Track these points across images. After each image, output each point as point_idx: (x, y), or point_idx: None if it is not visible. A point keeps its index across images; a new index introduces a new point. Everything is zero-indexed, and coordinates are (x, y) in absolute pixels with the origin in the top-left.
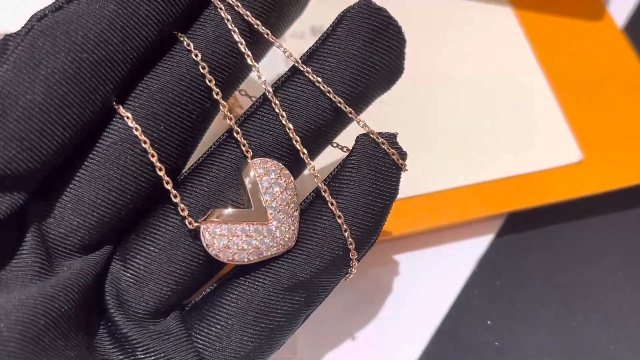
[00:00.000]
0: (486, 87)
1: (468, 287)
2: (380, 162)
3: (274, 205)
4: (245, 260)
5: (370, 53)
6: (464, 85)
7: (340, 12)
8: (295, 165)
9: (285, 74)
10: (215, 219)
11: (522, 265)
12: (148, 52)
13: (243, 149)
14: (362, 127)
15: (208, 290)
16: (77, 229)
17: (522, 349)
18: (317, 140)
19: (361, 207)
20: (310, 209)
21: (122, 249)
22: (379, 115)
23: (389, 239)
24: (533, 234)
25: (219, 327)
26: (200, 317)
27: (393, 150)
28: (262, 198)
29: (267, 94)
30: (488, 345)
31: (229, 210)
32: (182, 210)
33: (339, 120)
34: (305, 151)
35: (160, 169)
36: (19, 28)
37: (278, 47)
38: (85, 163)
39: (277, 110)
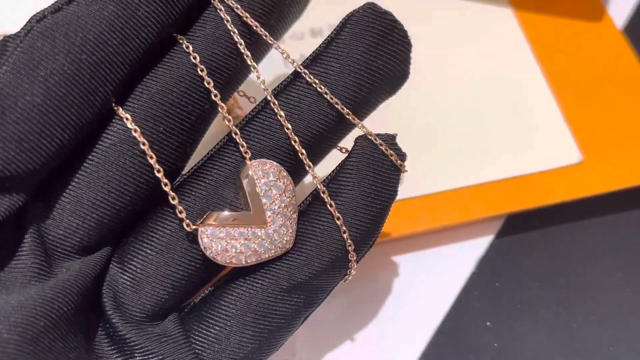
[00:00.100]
0: (486, 87)
1: (468, 288)
2: (379, 164)
3: (273, 208)
4: (243, 262)
5: (374, 58)
6: (463, 85)
7: (345, 16)
8: (296, 170)
9: (287, 78)
10: (213, 222)
11: (522, 266)
12: (147, 54)
13: (242, 150)
14: (360, 128)
15: (207, 291)
16: (76, 230)
17: (522, 350)
18: (319, 145)
19: (360, 209)
20: (309, 210)
21: (120, 251)
22: (379, 116)
23: (389, 240)
24: (533, 234)
25: (217, 328)
26: (199, 319)
27: (391, 152)
28: (260, 201)
29: (269, 97)
30: (488, 346)
31: (227, 213)
32: (180, 212)
33: (342, 126)
34: (303, 151)
35: (158, 171)
36: (18, 29)
37: (279, 50)
38: (85, 164)
39: (278, 114)
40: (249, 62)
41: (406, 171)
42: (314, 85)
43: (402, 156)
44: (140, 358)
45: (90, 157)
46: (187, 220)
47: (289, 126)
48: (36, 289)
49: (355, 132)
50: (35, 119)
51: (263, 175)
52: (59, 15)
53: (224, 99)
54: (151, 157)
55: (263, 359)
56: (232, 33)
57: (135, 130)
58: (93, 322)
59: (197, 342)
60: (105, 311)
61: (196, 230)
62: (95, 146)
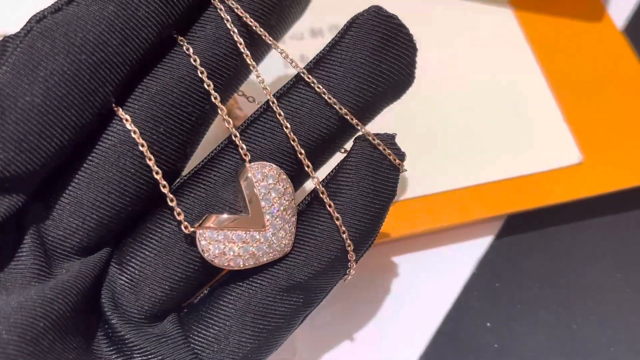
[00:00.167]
0: (486, 88)
1: (468, 289)
2: (378, 164)
3: (271, 211)
4: (241, 265)
5: (378, 62)
6: (463, 86)
7: (349, 19)
8: (297, 173)
9: (290, 81)
10: (211, 225)
11: (522, 267)
12: (148, 54)
13: (241, 152)
14: (360, 129)
15: (205, 291)
16: (76, 231)
17: (522, 351)
18: (321, 150)
19: (359, 209)
20: (308, 210)
21: (119, 252)
22: (379, 117)
23: (389, 241)
24: (533, 235)
25: (217, 328)
26: (198, 319)
27: (390, 152)
28: (259, 204)
29: (270, 100)
30: (488, 347)
31: (226, 216)
32: (179, 214)
33: (344, 130)
34: (302, 151)
35: (157, 172)
36: (18, 29)
37: (279, 51)
38: (85, 165)
39: (279, 117)
40: (249, 62)
41: (405, 170)
42: (317, 89)
43: (401, 156)
44: (140, 359)
45: (90, 157)
46: (185, 223)
47: (289, 126)
48: (36, 289)
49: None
50: (35, 119)
51: (262, 179)
52: (58, 16)
53: (224, 100)
54: (150, 159)
55: (262, 359)
56: (232, 33)
57: (135, 132)
58: (92, 322)
59: (197, 342)
60: (104, 312)
61: (194, 232)
62: (95, 147)
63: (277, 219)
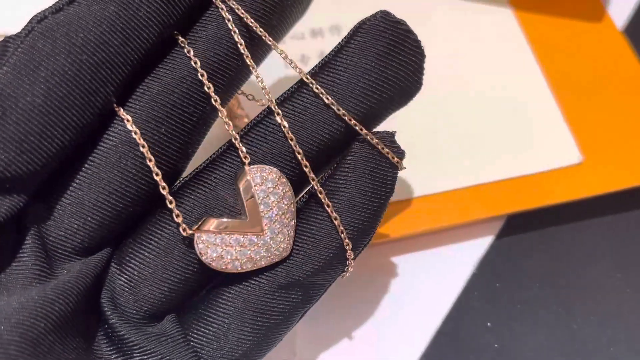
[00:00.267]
0: (486, 88)
1: (468, 289)
2: (377, 162)
3: (270, 215)
4: (239, 269)
5: (384, 68)
6: (463, 86)
7: (356, 24)
8: (299, 178)
9: (294, 85)
10: (209, 229)
11: (522, 267)
12: (149, 54)
13: (241, 154)
14: (359, 130)
15: (204, 290)
16: (77, 231)
17: (522, 351)
18: (324, 154)
19: (357, 208)
20: (306, 208)
21: (120, 252)
22: None
23: (390, 241)
24: (533, 235)
25: (216, 326)
26: (197, 317)
27: (388, 150)
28: (257, 208)
29: (272, 105)
30: (488, 347)
31: (223, 220)
32: (177, 216)
33: (348, 136)
34: (300, 151)
35: (157, 174)
36: (19, 29)
37: (280, 54)
38: (86, 165)
39: (281, 122)
40: (249, 63)
41: (404, 168)
42: (320, 94)
43: (400, 154)
44: (139, 358)
45: (91, 158)
46: (184, 225)
47: (292, 136)
48: (37, 290)
49: None
50: (36, 119)
51: (261, 182)
52: (59, 16)
53: (225, 101)
54: (150, 160)
55: (261, 356)
56: (233, 33)
57: (136, 132)
58: (93, 322)
59: (196, 341)
60: (103, 311)
61: (192, 235)
62: (96, 147)
63: (276, 223)
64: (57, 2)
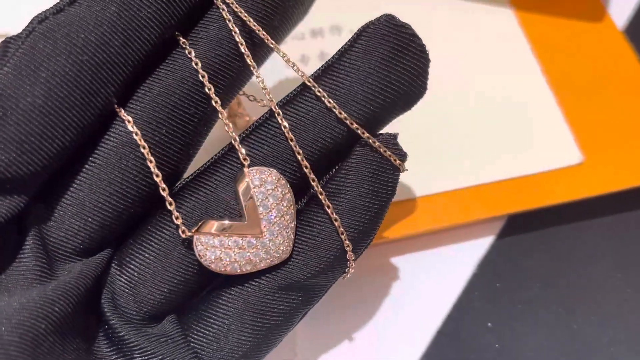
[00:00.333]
0: (486, 88)
1: (469, 289)
2: (378, 165)
3: (269, 217)
4: (238, 271)
5: (387, 72)
6: (463, 86)
7: (360, 27)
8: (300, 181)
9: (296, 88)
10: (208, 231)
11: (523, 267)
12: (150, 55)
13: (240, 156)
14: (361, 133)
15: (205, 291)
16: (78, 232)
17: (523, 351)
18: (326, 158)
19: (358, 210)
20: (307, 210)
21: (120, 253)
22: None
23: (390, 241)
24: (534, 235)
25: (216, 327)
26: (197, 318)
27: (390, 153)
28: (256, 210)
29: (273, 107)
30: (489, 347)
31: (222, 222)
32: (177, 218)
33: (351, 140)
34: (300, 151)
35: (157, 175)
36: (20, 30)
37: (286, 60)
38: (86, 166)
39: (282, 124)
40: (249, 62)
41: (406, 170)
42: (322, 97)
43: (402, 156)
44: (140, 359)
45: (92, 159)
46: (183, 227)
47: (287, 127)
48: (38, 290)
49: None
50: (37, 120)
51: (260, 184)
52: (60, 17)
53: (226, 102)
54: (150, 161)
55: (261, 357)
56: (234, 33)
57: (136, 134)
58: (93, 323)
59: (196, 342)
60: (104, 312)
61: (191, 237)
62: (97, 148)
63: (275, 225)
64: (58, 3)
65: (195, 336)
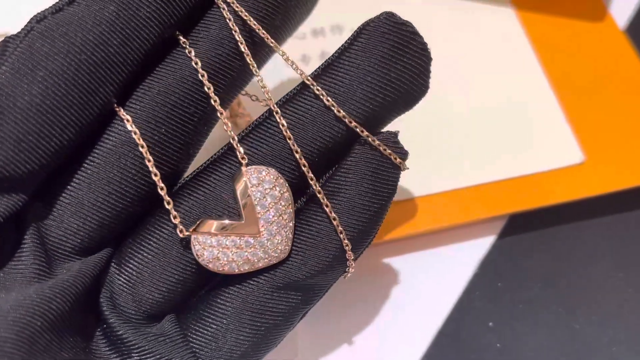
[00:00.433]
0: (487, 88)
1: (469, 289)
2: (378, 163)
3: (267, 217)
4: (236, 270)
5: (387, 70)
6: (465, 86)
7: (360, 25)
8: (299, 180)
9: (295, 87)
10: (205, 230)
11: (524, 267)
12: (150, 54)
13: (239, 155)
14: (360, 132)
15: (204, 290)
16: (77, 231)
17: (524, 350)
18: (325, 157)
19: (357, 209)
20: (306, 209)
21: (119, 252)
22: None
23: (391, 241)
24: (535, 235)
25: (214, 327)
26: (196, 318)
27: (390, 151)
28: (253, 209)
29: (272, 106)
30: (489, 347)
31: (220, 221)
32: (174, 217)
33: (350, 139)
34: (298, 149)
35: (155, 175)
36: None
37: (286, 59)
38: (85, 165)
39: (280, 123)
40: (249, 61)
41: (407, 168)
42: (321, 96)
43: (403, 154)
44: (138, 358)
45: (91, 158)
46: (181, 226)
47: (285, 126)
48: (35, 288)
49: None
50: (34, 118)
51: (257, 183)
52: (59, 16)
53: (227, 102)
54: (149, 160)
55: (261, 357)
56: (234, 32)
57: (135, 133)
58: (91, 322)
59: (195, 341)
60: (102, 311)
61: (189, 236)
62: (96, 147)
63: (273, 225)
64: (57, 3)
65: (194, 336)
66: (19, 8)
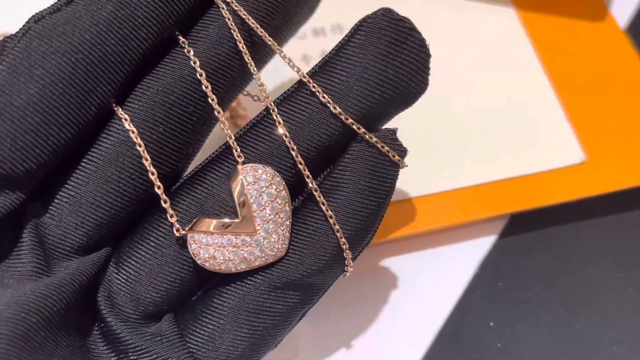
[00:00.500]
0: (488, 87)
1: (470, 289)
2: (376, 160)
3: (263, 215)
4: (233, 270)
5: (384, 67)
6: (466, 85)
7: (357, 21)
8: (297, 179)
9: (292, 86)
10: (201, 229)
11: (524, 267)
12: (149, 54)
13: (235, 153)
14: (356, 128)
15: (202, 289)
16: (75, 230)
17: (524, 350)
18: (323, 155)
19: (354, 207)
20: (303, 208)
21: (118, 252)
22: None
23: (391, 241)
24: (535, 235)
25: (211, 327)
26: (194, 318)
27: (388, 149)
28: (250, 207)
29: (269, 104)
30: (490, 347)
31: (216, 220)
32: (171, 216)
33: (348, 137)
34: (294, 147)
35: (152, 173)
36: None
37: (283, 57)
38: (84, 164)
39: (277, 122)
40: (247, 60)
41: (406, 166)
42: (317, 93)
43: (401, 152)
44: (134, 357)
45: (89, 157)
46: (177, 225)
47: (281, 123)
48: (31, 285)
49: None
50: (31, 117)
51: (253, 181)
52: (57, 16)
53: (226, 101)
54: (146, 159)
55: (259, 357)
56: (232, 31)
57: (133, 132)
58: (88, 320)
59: (192, 341)
60: (100, 310)
61: (186, 235)
62: (94, 146)
63: (270, 223)
64: (55, 3)
65: (191, 336)
66: (19, 8)
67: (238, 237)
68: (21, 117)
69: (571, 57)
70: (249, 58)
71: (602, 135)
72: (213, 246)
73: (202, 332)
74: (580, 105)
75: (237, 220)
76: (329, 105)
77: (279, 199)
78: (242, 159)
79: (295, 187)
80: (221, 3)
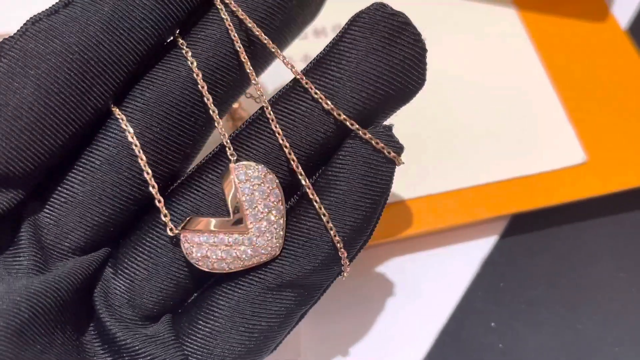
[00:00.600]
0: (490, 88)
1: (472, 289)
2: (371, 158)
3: (255, 213)
4: (226, 269)
5: (377, 62)
6: (467, 86)
7: (350, 17)
8: (292, 178)
9: (287, 84)
10: (194, 228)
11: (526, 267)
12: (146, 55)
13: (228, 152)
14: (350, 125)
15: (199, 291)
16: (73, 230)
17: (526, 351)
18: (318, 154)
19: (348, 205)
20: (297, 207)
21: (116, 253)
22: None
23: (393, 241)
24: (537, 235)
25: (207, 329)
26: (190, 320)
27: (382, 144)
28: (242, 205)
29: (264, 104)
30: (492, 347)
31: (209, 219)
32: (165, 216)
33: (343, 135)
34: (287, 144)
35: (147, 173)
36: None
37: (278, 55)
38: (81, 164)
39: (271, 121)
40: (242, 59)
41: (403, 163)
42: (309, 89)
43: (398, 148)
44: (128, 358)
45: (87, 157)
46: (171, 225)
47: (274, 121)
48: (26, 281)
49: None
50: (27, 117)
51: (245, 179)
52: (54, 18)
53: (226, 102)
54: (141, 159)
55: (258, 359)
56: (230, 31)
57: (129, 132)
58: (83, 320)
59: (187, 344)
60: (96, 309)
61: (179, 234)
62: (92, 147)
63: (262, 221)
64: (54, 5)
65: (187, 338)
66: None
67: (230, 236)
68: (16, 117)
69: (572, 58)
70: (245, 57)
71: (604, 135)
72: (206, 245)
73: (197, 334)
74: (581, 105)
75: (229, 218)
76: (321, 101)
77: (272, 197)
78: (235, 158)
79: (291, 185)
80: (220, 4)
